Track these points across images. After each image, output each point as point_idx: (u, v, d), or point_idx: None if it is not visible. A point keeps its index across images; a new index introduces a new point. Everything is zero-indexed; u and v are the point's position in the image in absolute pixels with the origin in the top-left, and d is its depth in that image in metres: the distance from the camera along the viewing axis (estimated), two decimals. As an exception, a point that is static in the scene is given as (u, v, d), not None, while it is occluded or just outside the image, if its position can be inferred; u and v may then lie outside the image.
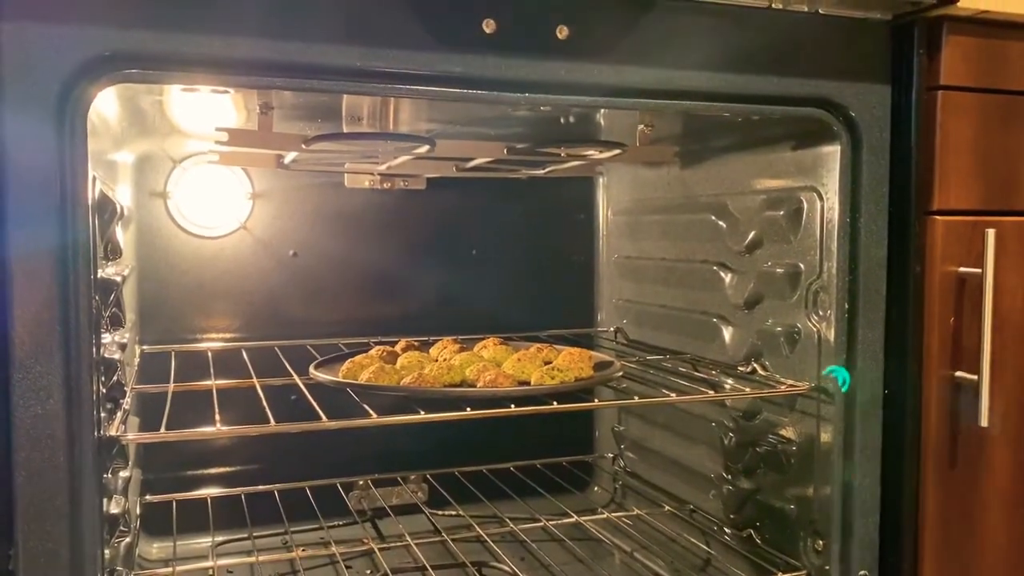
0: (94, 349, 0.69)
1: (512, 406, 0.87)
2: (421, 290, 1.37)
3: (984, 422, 0.91)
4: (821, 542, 0.97)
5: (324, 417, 0.81)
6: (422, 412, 0.84)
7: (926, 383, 0.93)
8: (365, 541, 1.19)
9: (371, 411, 0.83)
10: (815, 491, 0.99)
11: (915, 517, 0.95)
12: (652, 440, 1.35)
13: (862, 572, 0.95)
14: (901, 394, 0.94)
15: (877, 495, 0.95)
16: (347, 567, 1.12)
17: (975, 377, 0.92)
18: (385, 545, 1.20)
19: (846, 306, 0.94)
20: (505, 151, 1.06)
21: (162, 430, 0.77)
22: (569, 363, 0.97)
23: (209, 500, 1.21)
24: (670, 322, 1.29)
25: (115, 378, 0.82)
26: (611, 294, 1.45)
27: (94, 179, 0.70)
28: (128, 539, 0.88)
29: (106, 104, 0.90)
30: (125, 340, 0.87)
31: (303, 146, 0.92)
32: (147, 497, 1.19)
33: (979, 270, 0.91)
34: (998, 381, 0.93)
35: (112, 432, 0.74)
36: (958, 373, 0.93)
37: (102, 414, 0.73)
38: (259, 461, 1.28)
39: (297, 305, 1.30)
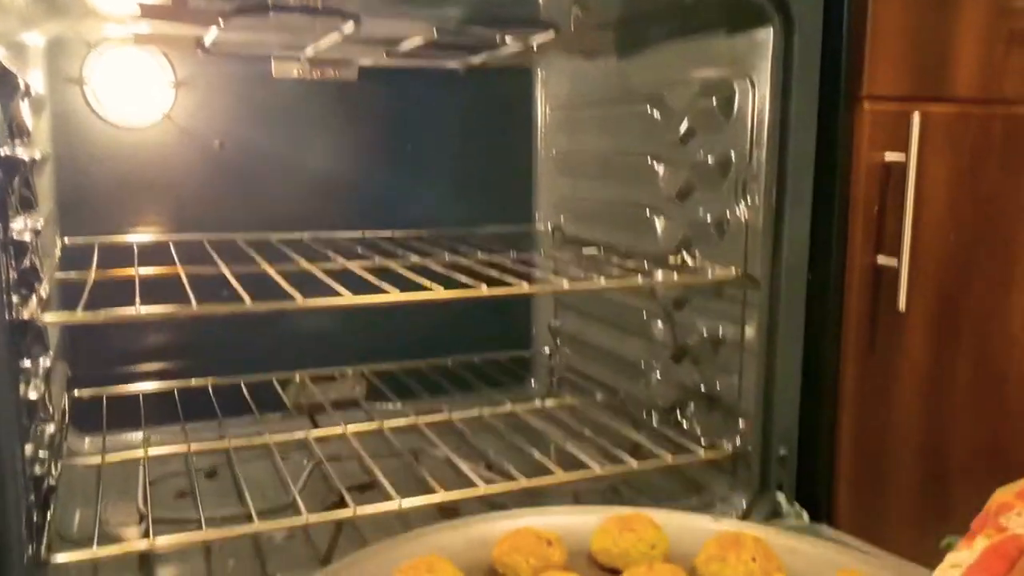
0: (1, 229, 0.67)
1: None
2: (354, 185, 1.35)
3: (902, 306, 0.94)
4: (743, 423, 1.01)
5: (248, 300, 0.80)
6: (348, 294, 0.83)
7: (849, 269, 0.96)
8: (301, 433, 1.19)
9: (297, 295, 0.82)
10: (739, 376, 1.01)
11: (834, 399, 0.98)
12: (587, 334, 1.37)
13: (782, 450, 0.98)
14: (824, 280, 0.96)
15: (798, 378, 0.98)
16: (283, 458, 1.13)
17: (895, 263, 0.94)
18: (322, 434, 1.20)
19: (774, 193, 0.95)
20: (435, 31, 1.03)
21: (79, 311, 0.75)
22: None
23: (141, 395, 1.20)
24: (606, 217, 1.29)
25: (28, 263, 0.79)
26: (549, 191, 1.44)
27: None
28: (51, 428, 0.87)
29: (6, -26, 0.85)
30: (39, 226, 0.84)
31: (220, 21, 0.88)
32: (76, 392, 1.17)
33: (903, 156, 0.93)
34: (917, 267, 0.95)
35: (26, 316, 0.72)
36: (880, 259, 0.95)
37: (15, 298, 0.70)
38: (192, 357, 1.27)
39: (226, 199, 1.26)
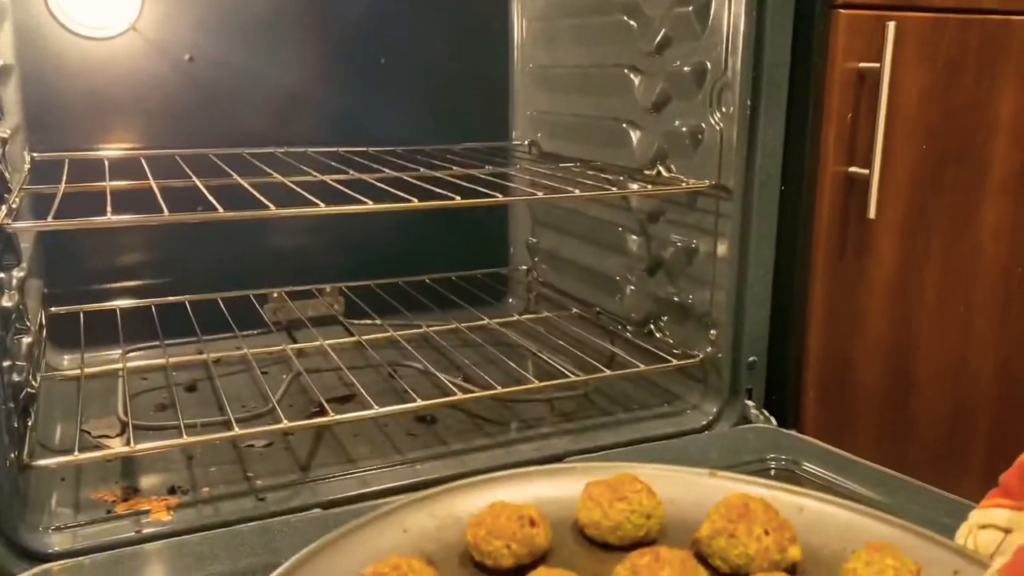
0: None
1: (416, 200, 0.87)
2: (327, 100, 1.33)
3: (872, 214, 0.95)
4: (715, 332, 1.02)
5: (221, 209, 0.79)
6: (322, 204, 0.83)
7: (821, 178, 0.96)
8: (280, 346, 1.21)
9: (270, 204, 0.82)
10: (712, 286, 1.03)
11: (804, 307, 1.00)
12: (564, 250, 1.38)
13: (752, 358, 1.00)
14: (796, 190, 0.97)
15: (769, 287, 1.00)
16: (262, 372, 1.14)
17: (867, 171, 0.95)
18: (300, 347, 1.22)
19: (748, 103, 0.95)
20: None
21: (49, 219, 0.75)
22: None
23: (118, 311, 1.20)
24: (582, 132, 1.28)
25: (-6, 171, 0.78)
26: (525, 106, 1.43)
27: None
28: (28, 339, 0.87)
29: None
30: (5, 135, 0.83)
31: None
32: (52, 309, 1.17)
33: (878, 65, 0.92)
34: (888, 176, 0.96)
35: (-5, 223, 0.72)
36: (851, 168, 0.96)
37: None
38: (169, 274, 1.27)
39: (196, 113, 1.24)
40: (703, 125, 1.01)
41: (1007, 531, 0.55)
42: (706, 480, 0.68)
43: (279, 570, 0.56)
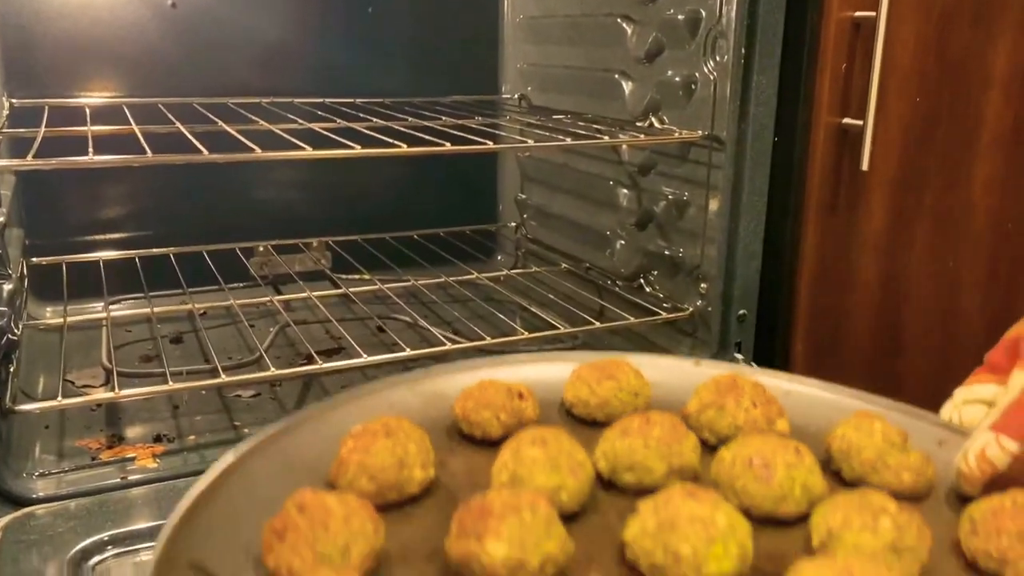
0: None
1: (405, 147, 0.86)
2: (313, 50, 1.30)
3: (865, 166, 0.94)
4: (705, 285, 1.02)
5: (206, 151, 0.78)
6: (309, 148, 0.82)
7: (814, 129, 0.96)
8: (267, 299, 1.20)
9: (256, 147, 0.81)
10: (703, 239, 1.02)
11: (795, 261, 1.00)
12: (553, 206, 1.37)
13: (741, 311, 1.00)
14: (790, 141, 0.96)
15: (760, 240, 0.99)
16: (249, 324, 1.13)
17: (861, 123, 0.94)
18: (287, 299, 1.21)
19: (743, 52, 0.93)
20: None
21: (28, 158, 0.73)
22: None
23: (102, 263, 1.19)
24: (573, 84, 1.27)
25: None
26: (515, 58, 1.41)
27: None
28: (9, 286, 0.86)
29: None
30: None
31: None
32: (34, 260, 1.16)
33: (873, 14, 0.91)
34: (882, 128, 0.96)
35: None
36: (845, 120, 0.95)
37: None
38: (153, 227, 1.25)
39: (180, 62, 1.22)
40: (696, 75, 1.00)
41: (992, 405, 0.55)
42: (692, 367, 0.68)
43: (262, 434, 0.54)
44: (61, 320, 1.03)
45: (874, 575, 0.39)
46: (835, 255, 1.00)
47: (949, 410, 0.60)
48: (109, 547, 0.64)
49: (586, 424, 0.63)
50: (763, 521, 0.49)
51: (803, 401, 0.64)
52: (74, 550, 0.63)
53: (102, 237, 1.23)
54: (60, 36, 1.15)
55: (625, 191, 1.17)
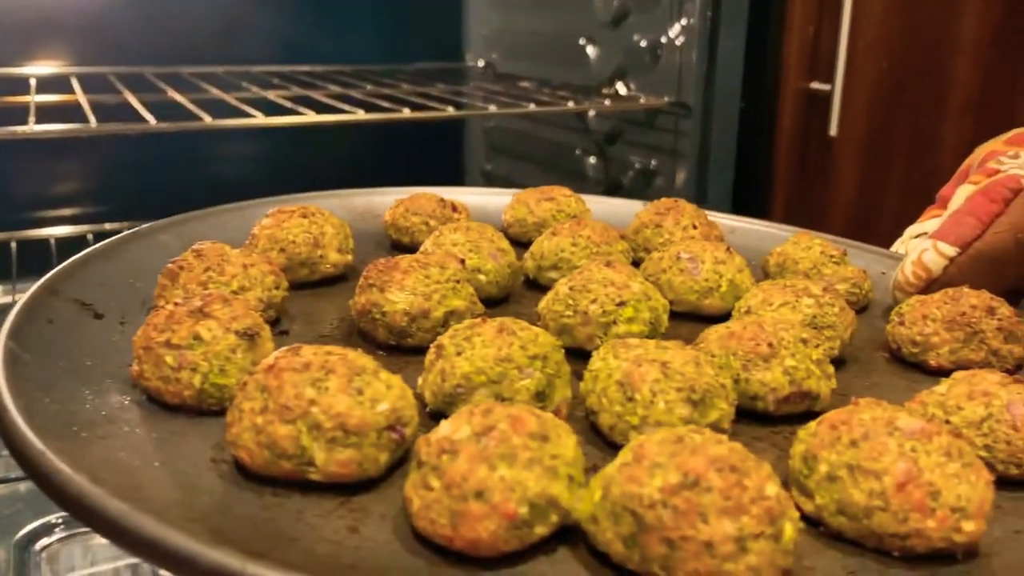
0: None
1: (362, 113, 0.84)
2: (271, 17, 1.27)
3: (834, 131, 0.94)
4: (674, 254, 1.01)
5: (153, 120, 0.75)
6: (260, 116, 0.79)
7: (782, 94, 0.95)
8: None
9: (204, 115, 0.78)
10: (671, 207, 1.01)
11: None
12: (520, 177, 1.35)
13: (710, 280, 1.00)
14: (757, 106, 0.95)
15: (728, 209, 0.98)
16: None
17: (829, 87, 0.93)
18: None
19: (708, 15, 0.92)
20: None
21: (-36, 128, 0.71)
22: None
23: (53, 240, 1.15)
24: (539, 51, 1.25)
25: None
26: (480, 25, 1.38)
27: None
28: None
29: None
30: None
31: None
32: (-18, 236, 1.12)
33: (842, -25, 0.90)
34: (850, 93, 0.95)
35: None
36: (813, 84, 0.95)
37: None
38: (107, 202, 1.22)
39: (132, 30, 1.18)
40: (662, 40, 0.99)
41: None
42: (639, 206, 0.64)
43: (179, 216, 0.56)
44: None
45: (785, 325, 0.39)
46: (805, 221, 1.00)
47: (897, 244, 0.60)
48: (57, 529, 0.62)
49: (523, 246, 0.59)
50: (689, 317, 0.48)
51: (749, 235, 0.63)
52: (20, 533, 0.61)
53: (53, 213, 1.19)
54: (4, 5, 1.11)
55: (592, 160, 1.15)
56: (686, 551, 0.25)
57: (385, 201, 0.62)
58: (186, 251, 0.44)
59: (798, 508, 0.30)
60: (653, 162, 1.03)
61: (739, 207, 0.98)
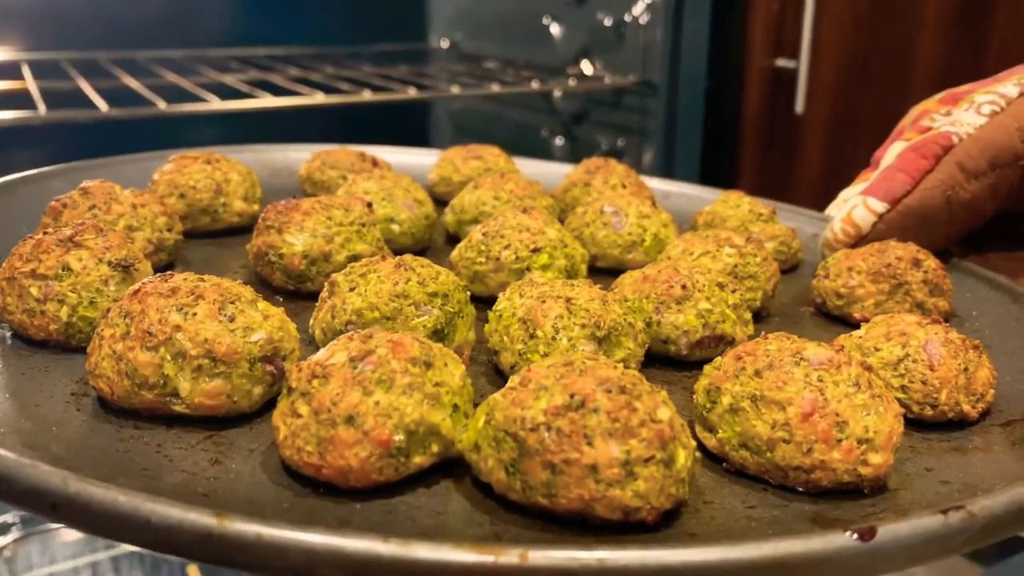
0: None
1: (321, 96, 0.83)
2: (231, 1, 1.25)
3: (800, 108, 0.94)
4: (642, 235, 1.02)
5: (104, 106, 0.74)
6: (216, 100, 0.78)
7: (748, 73, 0.95)
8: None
9: (158, 100, 0.77)
10: (639, 188, 1.01)
11: (731, 208, 0.99)
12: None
13: (678, 261, 1.00)
14: (722, 85, 0.95)
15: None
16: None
17: (794, 64, 0.93)
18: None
19: (674, -7, 0.92)
20: None
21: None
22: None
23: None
24: (503, 30, 1.24)
25: None
26: (444, 4, 1.37)
27: None
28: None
29: None
30: None
31: None
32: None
33: (805, -49, 0.90)
34: (816, 69, 0.95)
35: None
36: (779, 62, 0.95)
37: None
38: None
39: (84, 14, 1.16)
40: (627, 19, 0.99)
41: None
42: (567, 168, 0.63)
43: (75, 163, 0.55)
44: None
45: (702, 270, 0.39)
46: (772, 200, 1.00)
47: (831, 208, 0.59)
48: (14, 529, 0.61)
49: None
50: (614, 274, 0.46)
51: (684, 199, 0.63)
52: (-25, 534, 0.60)
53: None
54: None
55: (559, 141, 1.15)
56: (569, 476, 0.24)
57: (303, 157, 0.61)
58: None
59: (701, 445, 0.30)
60: (620, 141, 1.03)
61: (707, 185, 0.99)
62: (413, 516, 0.25)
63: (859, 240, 0.48)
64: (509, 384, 0.27)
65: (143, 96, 0.81)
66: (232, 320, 0.29)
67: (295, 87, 0.88)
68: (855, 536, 0.23)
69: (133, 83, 0.90)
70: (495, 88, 0.93)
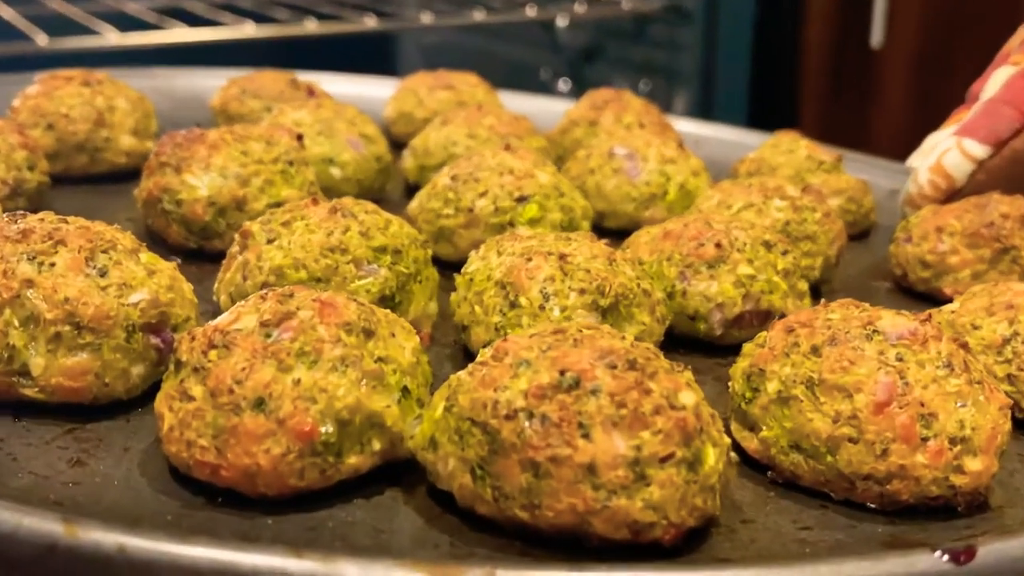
0: None
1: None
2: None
3: (877, 41, 0.94)
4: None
5: (43, 40, 0.73)
6: (114, 33, 0.77)
7: (809, -4, 0.95)
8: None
9: (37, 33, 0.76)
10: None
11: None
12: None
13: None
14: (776, 13, 0.95)
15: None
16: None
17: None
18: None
19: None
20: None
21: None
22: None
23: None
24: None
25: None
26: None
27: None
28: None
29: None
30: None
31: None
32: None
33: None
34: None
35: None
36: (849, -19, 0.95)
37: None
38: None
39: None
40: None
41: None
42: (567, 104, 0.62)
43: None
44: None
45: (743, 224, 0.38)
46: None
47: (914, 157, 0.58)
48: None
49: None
50: (627, 235, 0.43)
51: (719, 147, 0.61)
52: None
53: None
54: None
55: (563, 84, 1.15)
56: (558, 480, 0.22)
57: (217, 84, 0.59)
58: None
59: (738, 447, 0.28)
60: (643, 85, 1.03)
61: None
62: (345, 535, 0.24)
63: (952, 194, 0.47)
64: (479, 359, 0.25)
65: (16, 28, 0.80)
66: (103, 275, 0.28)
67: (217, 15, 0.88)
68: (946, 558, 0.22)
69: (6, 11, 0.89)
70: (479, 16, 0.92)
